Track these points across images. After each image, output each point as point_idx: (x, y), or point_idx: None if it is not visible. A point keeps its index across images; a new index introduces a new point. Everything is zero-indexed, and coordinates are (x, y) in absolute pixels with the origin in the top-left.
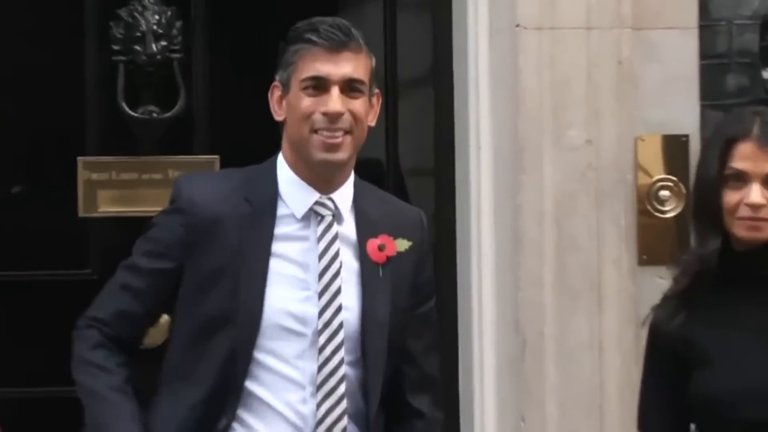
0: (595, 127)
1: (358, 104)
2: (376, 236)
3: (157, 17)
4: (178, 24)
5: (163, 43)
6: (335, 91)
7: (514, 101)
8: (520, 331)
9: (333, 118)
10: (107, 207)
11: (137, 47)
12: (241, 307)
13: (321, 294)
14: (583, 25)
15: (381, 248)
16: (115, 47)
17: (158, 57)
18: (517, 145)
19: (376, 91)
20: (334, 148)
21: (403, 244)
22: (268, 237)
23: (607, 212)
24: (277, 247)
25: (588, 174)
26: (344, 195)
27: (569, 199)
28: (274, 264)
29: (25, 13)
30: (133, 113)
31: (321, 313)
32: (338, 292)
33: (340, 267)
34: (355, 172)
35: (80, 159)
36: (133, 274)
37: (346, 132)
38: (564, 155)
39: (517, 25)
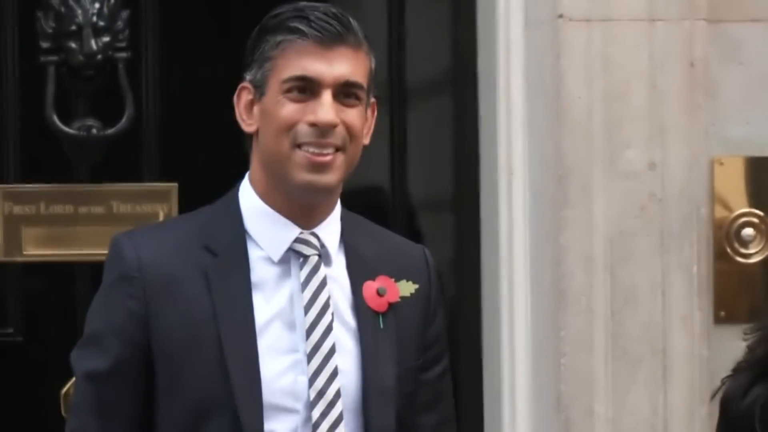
0: (659, 147)
1: (355, 114)
2: (373, 278)
3: (97, 5)
4: (125, 14)
5: (106, 38)
6: (327, 96)
7: (555, 114)
8: (563, 409)
9: (323, 130)
10: (34, 249)
11: (72, 44)
12: (237, 385)
13: (310, 356)
14: (644, 16)
15: (381, 293)
16: (44, 44)
17: (99, 57)
18: (559, 170)
19: (373, 99)
20: (322, 168)
21: (407, 288)
22: (246, 290)
23: (675, 256)
24: (254, 300)
25: (650, 207)
26: (331, 229)
27: (626, 240)
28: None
29: None
30: (66, 129)
31: (312, 380)
32: (332, 352)
33: (332, 320)
34: (348, 204)
35: (0, 187)
36: (94, 386)
37: (338, 149)
38: (619, 183)
39: (560, 16)
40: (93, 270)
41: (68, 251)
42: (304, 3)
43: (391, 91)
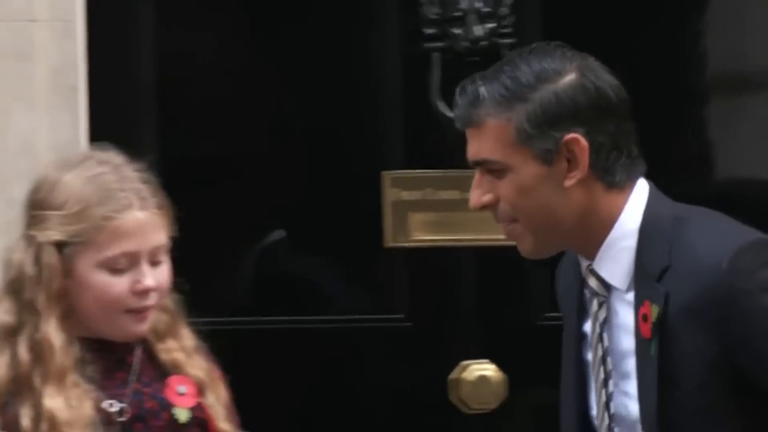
0: None
1: (504, 186)
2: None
3: None
4: (509, 0)
5: (490, 24)
6: (476, 176)
7: None
8: None
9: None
10: (421, 234)
11: (456, 31)
12: None
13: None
14: None
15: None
16: (428, 30)
17: (483, 43)
18: None
19: (568, 136)
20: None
21: (654, 310)
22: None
23: None
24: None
25: None
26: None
27: None
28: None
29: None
30: (451, 115)
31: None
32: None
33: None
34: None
35: (385, 174)
36: None
37: (513, 220)
38: None
39: None
40: (478, 255)
41: (454, 236)
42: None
43: None
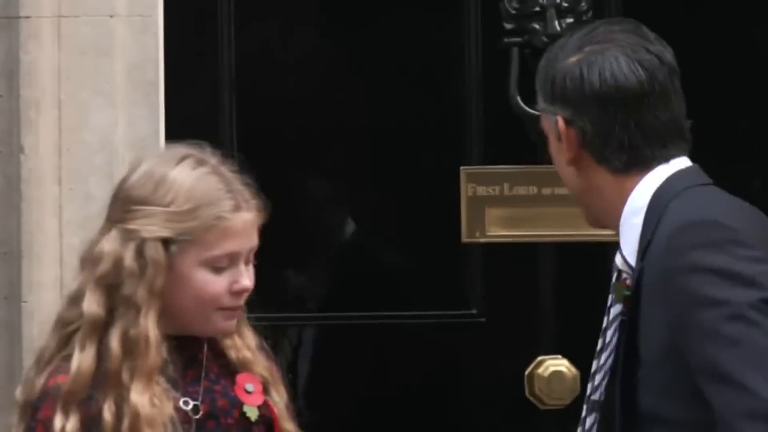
0: None
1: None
2: None
3: None
4: None
5: (569, 19)
6: None
7: None
8: None
9: None
10: (497, 230)
11: (535, 25)
12: None
13: None
14: None
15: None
16: (507, 25)
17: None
18: None
19: (557, 116)
20: None
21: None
22: None
23: None
24: None
25: None
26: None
27: None
28: None
29: None
30: (530, 110)
31: None
32: None
33: None
34: None
35: (463, 169)
36: None
37: None
38: None
39: None
40: (555, 250)
41: (531, 232)
42: None
43: None
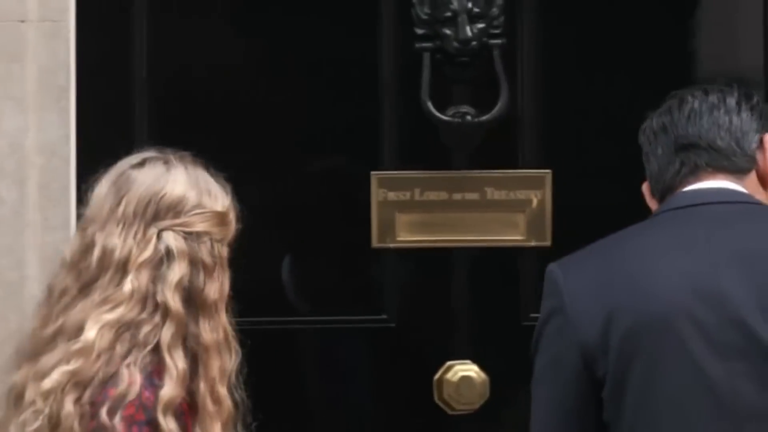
0: None
1: None
2: None
3: None
4: (500, 0)
5: (481, 25)
6: None
7: None
8: None
9: None
10: (407, 235)
11: (446, 31)
12: None
13: None
14: None
15: None
16: (419, 31)
17: (474, 43)
18: None
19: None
20: None
21: None
22: None
23: None
24: None
25: None
26: None
27: None
28: None
29: None
30: (441, 115)
31: None
32: None
33: None
34: None
35: (374, 174)
36: None
37: None
38: None
39: None
40: (466, 256)
41: (442, 237)
42: None
43: None
